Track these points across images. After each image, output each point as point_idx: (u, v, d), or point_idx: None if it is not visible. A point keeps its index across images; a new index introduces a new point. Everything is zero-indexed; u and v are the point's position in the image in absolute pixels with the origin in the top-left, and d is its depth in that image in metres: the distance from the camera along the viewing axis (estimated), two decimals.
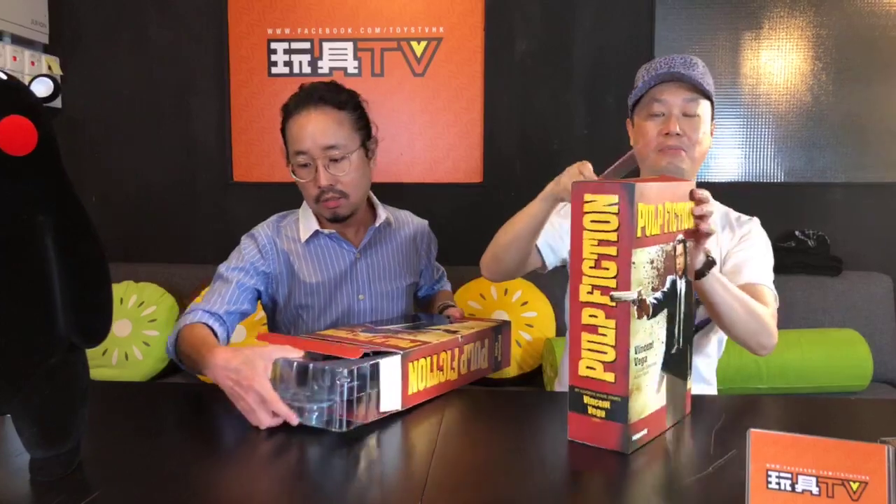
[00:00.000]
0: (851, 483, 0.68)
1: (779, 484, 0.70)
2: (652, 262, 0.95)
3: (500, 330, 1.37)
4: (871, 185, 2.61)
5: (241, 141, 2.74)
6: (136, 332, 2.38)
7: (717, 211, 1.48)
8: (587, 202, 0.94)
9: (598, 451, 0.95)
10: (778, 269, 2.40)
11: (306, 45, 2.69)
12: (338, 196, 1.45)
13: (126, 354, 2.35)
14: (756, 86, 2.62)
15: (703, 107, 1.37)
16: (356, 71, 2.68)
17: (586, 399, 0.96)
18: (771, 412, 1.21)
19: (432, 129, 2.70)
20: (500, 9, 2.64)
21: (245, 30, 2.69)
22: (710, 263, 1.17)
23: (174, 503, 0.82)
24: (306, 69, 2.69)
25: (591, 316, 0.94)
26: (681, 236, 1.03)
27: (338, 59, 2.68)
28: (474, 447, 1.04)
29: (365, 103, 1.51)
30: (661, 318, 0.99)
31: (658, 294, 0.97)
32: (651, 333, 0.97)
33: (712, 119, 1.43)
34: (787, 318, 2.40)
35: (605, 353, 0.94)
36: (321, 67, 2.69)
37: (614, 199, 0.91)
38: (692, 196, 1.08)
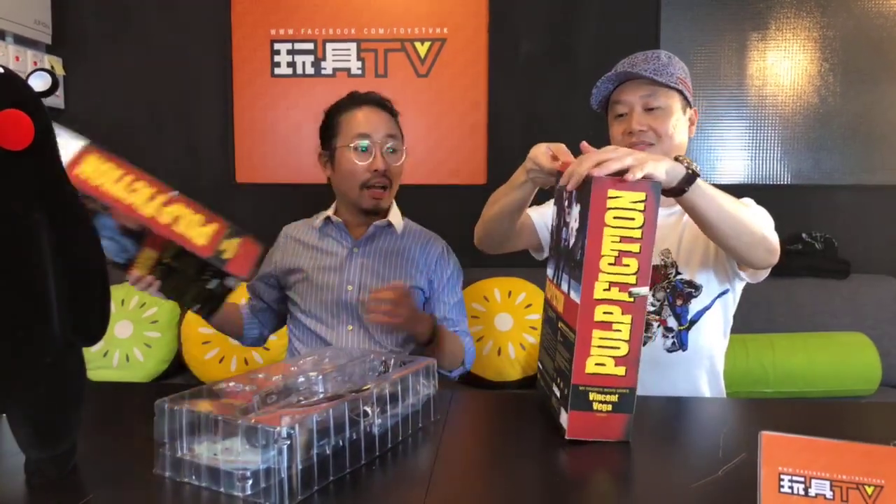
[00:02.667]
0: (866, 487, 0.67)
1: (791, 488, 0.68)
2: None
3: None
4: (879, 187, 2.59)
5: (244, 142, 2.73)
6: (137, 333, 2.37)
7: None
8: (611, 198, 0.92)
9: (603, 455, 0.93)
10: (785, 272, 2.41)
11: (309, 46, 2.68)
12: (384, 185, 1.57)
13: (127, 356, 2.34)
14: (762, 87, 2.60)
15: (667, 98, 1.36)
16: (359, 72, 2.67)
17: (592, 396, 0.96)
18: (779, 416, 1.19)
19: (436, 131, 2.69)
20: (504, 10, 2.63)
21: (248, 31, 2.68)
22: (689, 178, 1.06)
23: None
24: (309, 70, 2.68)
25: (605, 313, 0.94)
26: None
27: (341, 59, 2.67)
28: (478, 448, 1.02)
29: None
30: None
31: None
32: None
33: (690, 107, 1.42)
34: (795, 322, 2.38)
35: (619, 348, 0.94)
36: (324, 68, 2.68)
37: (642, 196, 0.92)
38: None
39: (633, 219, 0.92)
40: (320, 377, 0.97)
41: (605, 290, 0.93)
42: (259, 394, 0.90)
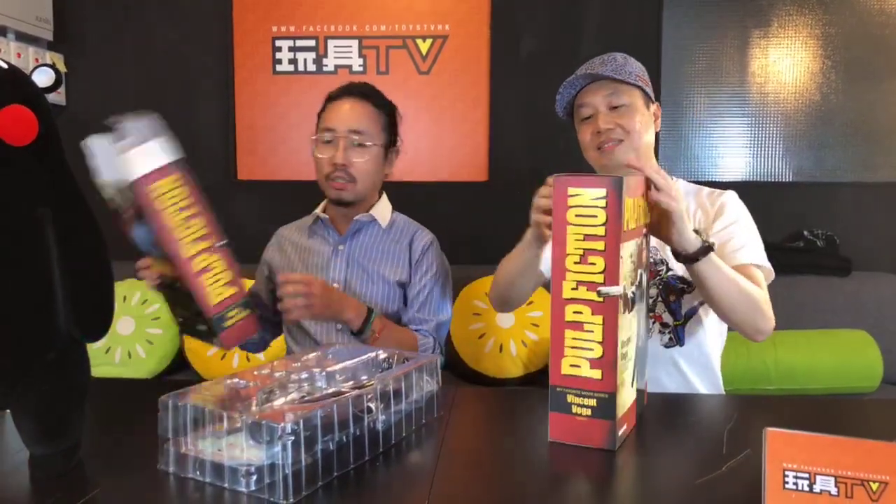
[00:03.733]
0: (871, 483, 0.66)
1: (796, 484, 0.68)
2: (631, 255, 0.95)
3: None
4: (881, 185, 2.59)
5: (245, 139, 2.72)
6: (139, 330, 2.37)
7: (690, 191, 1.48)
8: (571, 196, 0.91)
9: (606, 452, 0.93)
10: (786, 270, 2.40)
11: (311, 43, 2.68)
12: (346, 179, 1.53)
13: (129, 352, 2.34)
14: (764, 84, 2.60)
15: (630, 96, 1.38)
16: (361, 69, 2.67)
17: (570, 398, 0.94)
18: (783, 412, 1.19)
19: (437, 128, 2.68)
20: (506, 7, 2.62)
21: (250, 28, 2.68)
22: (706, 248, 1.15)
23: (174, 502, 0.80)
24: (311, 67, 2.68)
25: (575, 312, 0.92)
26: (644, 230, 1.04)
27: (343, 56, 2.67)
28: (481, 445, 1.02)
29: (399, 118, 1.64)
30: (636, 311, 0.99)
31: (633, 288, 0.97)
32: (630, 328, 0.97)
33: (653, 102, 1.44)
34: (796, 319, 2.38)
35: (592, 349, 0.92)
36: (326, 65, 2.68)
37: (602, 192, 0.90)
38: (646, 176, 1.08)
39: (595, 216, 0.90)
40: (324, 373, 0.97)
41: (572, 289, 0.92)
42: (263, 390, 0.90)
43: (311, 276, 1.43)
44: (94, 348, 2.32)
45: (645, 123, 1.39)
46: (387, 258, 1.60)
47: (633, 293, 0.96)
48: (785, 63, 2.59)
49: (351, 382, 0.95)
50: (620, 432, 0.94)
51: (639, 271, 1.00)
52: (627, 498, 0.86)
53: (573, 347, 0.93)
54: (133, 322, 2.37)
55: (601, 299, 0.91)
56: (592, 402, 0.93)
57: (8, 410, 0.83)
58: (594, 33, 2.62)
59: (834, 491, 0.67)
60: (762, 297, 1.26)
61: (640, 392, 1.05)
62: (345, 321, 1.46)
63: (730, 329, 1.41)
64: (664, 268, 1.40)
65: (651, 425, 1.05)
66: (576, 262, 0.92)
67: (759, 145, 2.62)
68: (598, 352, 0.92)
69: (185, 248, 1.02)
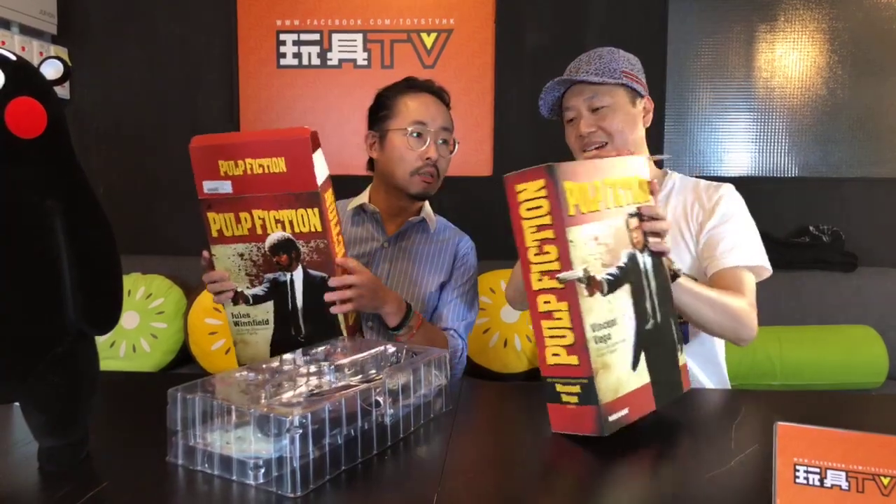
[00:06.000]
0: (882, 478, 0.66)
1: (807, 478, 0.67)
2: (596, 238, 0.95)
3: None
4: (887, 180, 2.58)
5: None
6: (143, 324, 2.37)
7: (687, 185, 1.47)
8: (520, 192, 0.94)
9: (614, 446, 0.93)
10: (792, 265, 2.40)
11: (315, 37, 2.67)
12: (434, 173, 1.55)
13: (134, 346, 2.35)
14: (770, 79, 2.59)
15: (611, 96, 1.38)
16: (366, 63, 2.66)
17: (558, 387, 0.95)
18: (791, 407, 1.19)
19: None
20: (511, 1, 2.62)
21: (254, 21, 2.68)
22: (671, 276, 1.14)
23: (182, 494, 0.80)
24: (315, 61, 2.68)
25: (545, 302, 0.94)
26: (633, 209, 1.03)
27: (347, 50, 2.66)
28: (490, 438, 1.02)
29: None
30: (623, 293, 0.98)
31: (612, 270, 0.96)
32: (611, 310, 0.96)
33: (640, 97, 1.42)
34: (801, 315, 2.37)
35: (564, 336, 0.93)
36: (330, 59, 2.67)
37: (541, 182, 0.92)
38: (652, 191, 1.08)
39: (540, 207, 0.92)
40: (333, 367, 0.97)
41: (538, 280, 0.94)
42: (271, 383, 0.90)
43: (362, 267, 1.30)
44: (98, 342, 2.32)
45: (629, 122, 1.38)
46: (431, 263, 1.59)
47: (610, 276, 0.96)
48: (791, 58, 2.58)
49: (359, 376, 0.95)
50: (613, 418, 0.93)
51: (624, 251, 0.99)
52: (637, 493, 0.86)
53: (550, 337, 0.94)
54: (138, 316, 2.38)
55: (562, 285, 0.92)
56: (577, 388, 0.94)
57: (17, 403, 0.83)
58: (599, 27, 2.61)
59: (845, 485, 0.67)
60: (741, 307, 1.24)
61: (670, 377, 1.05)
62: (384, 314, 1.38)
63: None
64: None
65: (659, 420, 1.05)
66: (536, 254, 0.94)
67: (765, 140, 2.61)
68: (570, 338, 0.93)
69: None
